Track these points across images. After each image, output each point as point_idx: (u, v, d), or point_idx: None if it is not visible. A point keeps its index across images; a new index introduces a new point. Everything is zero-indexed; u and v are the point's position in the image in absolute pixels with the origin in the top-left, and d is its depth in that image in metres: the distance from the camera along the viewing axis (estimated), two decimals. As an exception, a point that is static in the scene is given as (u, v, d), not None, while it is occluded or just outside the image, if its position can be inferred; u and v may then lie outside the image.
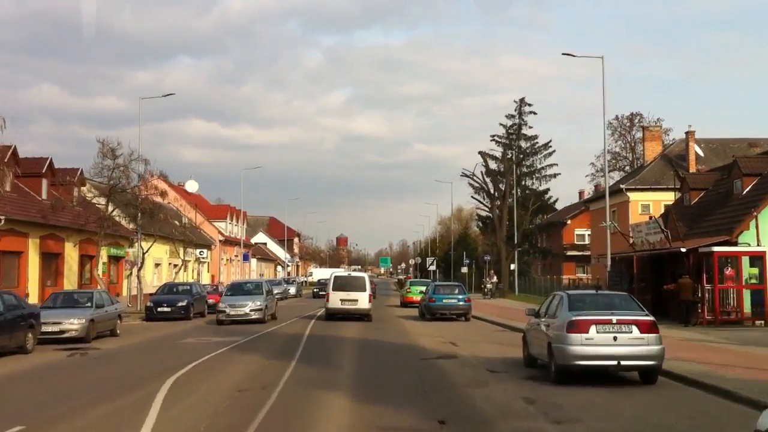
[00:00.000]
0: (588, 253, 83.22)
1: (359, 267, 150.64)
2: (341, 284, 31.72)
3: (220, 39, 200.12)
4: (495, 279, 52.89)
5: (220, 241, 70.52)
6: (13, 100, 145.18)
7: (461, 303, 32.45)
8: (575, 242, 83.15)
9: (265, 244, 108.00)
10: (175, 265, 57.99)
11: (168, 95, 42.04)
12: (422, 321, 32.71)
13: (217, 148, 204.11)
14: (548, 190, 72.02)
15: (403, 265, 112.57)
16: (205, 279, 66.42)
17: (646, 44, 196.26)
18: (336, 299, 31.10)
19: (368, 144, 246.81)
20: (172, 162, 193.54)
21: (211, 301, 39.94)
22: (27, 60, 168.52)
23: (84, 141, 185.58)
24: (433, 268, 59.65)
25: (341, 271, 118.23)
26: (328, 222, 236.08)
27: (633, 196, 52.78)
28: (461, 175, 62.79)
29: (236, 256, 76.90)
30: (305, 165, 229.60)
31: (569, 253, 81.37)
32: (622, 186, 53.05)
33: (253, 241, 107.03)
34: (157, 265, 53.69)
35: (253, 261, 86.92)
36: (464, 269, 71.40)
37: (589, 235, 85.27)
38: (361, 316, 31.21)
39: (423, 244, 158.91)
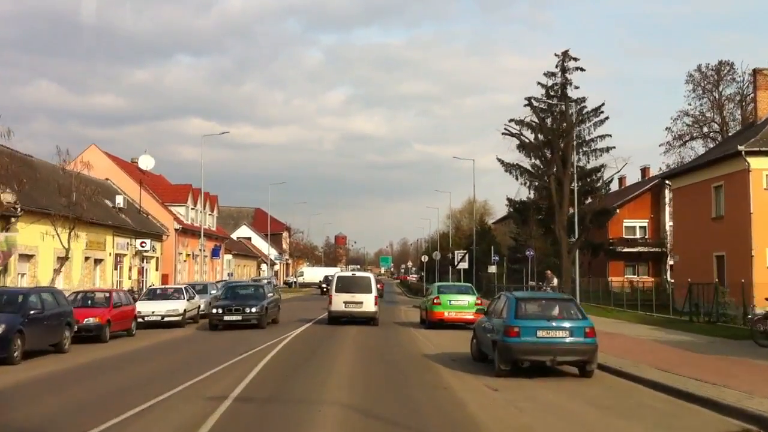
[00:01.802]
0: (641, 249, 65.19)
1: (358, 267, 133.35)
2: (345, 285, 28.16)
3: (219, 37, 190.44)
4: (555, 282, 34.65)
5: (176, 230, 52.21)
6: (11, 97, 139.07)
7: (580, 339, 14.10)
8: (623, 236, 64.94)
9: (249, 239, 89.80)
10: (98, 260, 39.72)
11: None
12: (491, 378, 14.28)
13: (216, 147, 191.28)
14: (603, 167, 53.58)
15: (410, 263, 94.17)
16: (154, 280, 48.17)
17: (646, 43, 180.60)
18: (339, 301, 27.81)
19: (368, 143, 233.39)
20: (171, 161, 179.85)
21: (91, 320, 21.71)
22: (25, 57, 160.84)
23: (82, 139, 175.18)
24: (464, 265, 40.37)
25: (335, 270, 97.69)
26: (326, 222, 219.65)
27: (756, 162, 34.53)
28: (503, 134, 44.70)
29: (202, 250, 58.60)
30: (304, 165, 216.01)
31: (623, 249, 63.20)
32: (741, 148, 34.69)
33: (236, 235, 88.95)
34: (61, 260, 35.39)
35: (227, 257, 68.58)
36: (492, 269, 53.09)
37: (642, 227, 67.33)
38: (366, 320, 27.91)
39: (426, 242, 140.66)
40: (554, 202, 40.81)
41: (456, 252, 37.98)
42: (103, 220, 40.03)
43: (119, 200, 44.41)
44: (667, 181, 47.32)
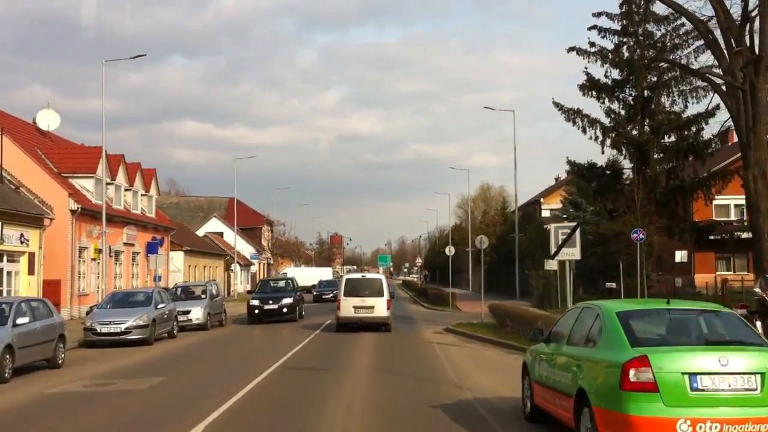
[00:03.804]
0: (743, 235, 45.82)
1: (354, 267, 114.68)
2: (354, 288, 24.21)
3: (213, 38, 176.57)
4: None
5: (72, 212, 32.72)
6: (6, 101, 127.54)
7: None
8: (713, 217, 45.46)
9: (221, 234, 70.13)
10: None
11: None
12: None
13: (211, 149, 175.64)
14: (709, 114, 34.53)
15: (420, 262, 74.53)
16: (26, 289, 28.74)
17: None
18: (348, 306, 23.90)
19: (364, 143, 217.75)
20: (166, 163, 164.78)
21: None
22: (19, 60, 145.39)
23: (77, 141, 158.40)
24: (575, 255, 19.60)
25: (320, 271, 75.32)
26: (317, 216, 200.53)
27: None
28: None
29: (129, 244, 39.21)
30: (300, 165, 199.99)
31: (713, 236, 43.69)
32: None
33: (205, 230, 69.56)
34: None
35: (179, 255, 48.99)
36: (552, 264, 33.79)
37: (738, 206, 47.62)
38: (378, 326, 23.71)
39: (426, 240, 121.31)
40: (741, 132, 21.12)
41: (553, 228, 17.55)
42: None
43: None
44: None
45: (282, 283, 32.98)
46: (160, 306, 22.04)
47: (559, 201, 65.22)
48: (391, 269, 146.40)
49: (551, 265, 35.03)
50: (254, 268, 72.03)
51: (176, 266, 47.98)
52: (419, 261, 73.45)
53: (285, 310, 28.34)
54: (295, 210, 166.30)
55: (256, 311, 28.53)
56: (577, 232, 15.69)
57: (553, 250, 16.02)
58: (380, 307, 23.64)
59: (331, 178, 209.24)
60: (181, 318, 25.06)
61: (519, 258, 40.95)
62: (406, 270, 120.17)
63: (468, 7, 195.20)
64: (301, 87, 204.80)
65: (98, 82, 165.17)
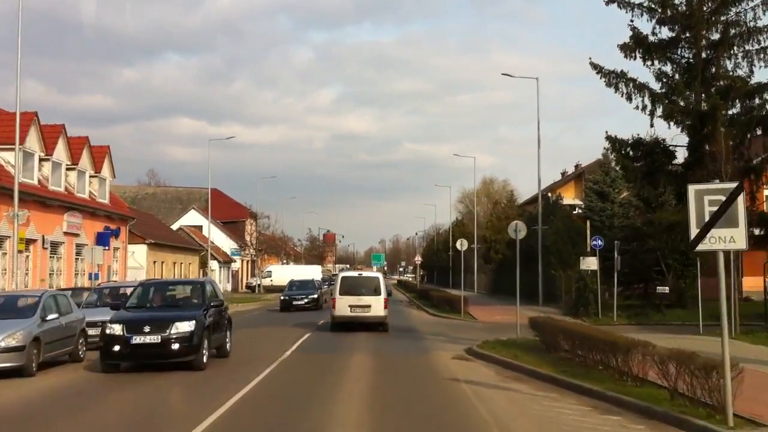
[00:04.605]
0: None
1: (347, 266, 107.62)
2: (350, 287, 23.57)
3: (208, 35, 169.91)
4: None
5: (-16, 191, 25.41)
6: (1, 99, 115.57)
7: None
8: (764, 210, 38.34)
9: (200, 227, 62.79)
10: None
11: None
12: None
13: (204, 147, 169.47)
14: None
15: (419, 260, 67.28)
16: None
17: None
18: (344, 305, 23.11)
19: (358, 142, 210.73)
20: (160, 160, 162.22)
21: None
22: (12, 56, 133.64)
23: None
24: (736, 245, 13.63)
25: (306, 270, 68.44)
26: (306, 210, 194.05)
27: None
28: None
29: (72, 234, 31.96)
30: (294, 164, 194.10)
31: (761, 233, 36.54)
32: None
33: (181, 223, 62.41)
34: None
35: (141, 249, 41.67)
36: (591, 262, 27.01)
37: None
38: (374, 326, 22.87)
39: (422, 237, 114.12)
40: None
41: (694, 192, 11.22)
42: None
43: None
44: None
45: (186, 289, 17.47)
46: (50, 317, 14.75)
47: (573, 194, 58.32)
48: (385, 268, 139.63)
49: (588, 263, 28.00)
50: (236, 266, 64.73)
51: (137, 262, 40.73)
52: (418, 258, 66.15)
53: (176, 346, 13.96)
54: (283, 204, 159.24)
55: (116, 347, 14.02)
56: (740, 199, 8.45)
57: (693, 230, 8.69)
58: (377, 307, 22.96)
59: (325, 177, 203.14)
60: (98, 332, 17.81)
61: (542, 254, 33.81)
62: (401, 269, 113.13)
63: (465, 6, 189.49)
64: (296, 85, 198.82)
65: (91, 78, 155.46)
